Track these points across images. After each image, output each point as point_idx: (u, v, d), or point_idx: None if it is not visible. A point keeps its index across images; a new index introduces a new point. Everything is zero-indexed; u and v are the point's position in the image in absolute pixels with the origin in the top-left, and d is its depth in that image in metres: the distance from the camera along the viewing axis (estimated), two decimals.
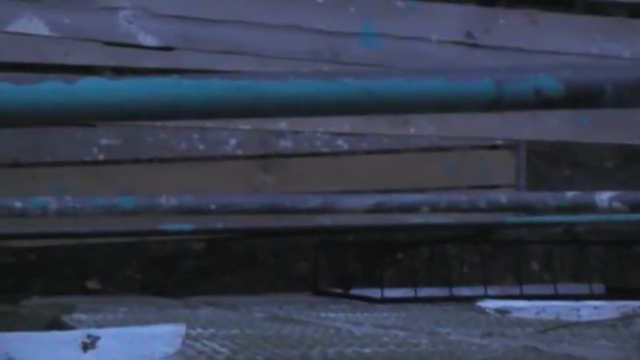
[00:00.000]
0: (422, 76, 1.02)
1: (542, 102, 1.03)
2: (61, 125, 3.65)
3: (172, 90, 1.03)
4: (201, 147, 4.33)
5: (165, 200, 2.79)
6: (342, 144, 4.50)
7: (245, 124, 3.82)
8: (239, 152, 4.37)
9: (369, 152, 4.55)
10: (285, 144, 4.44)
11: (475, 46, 3.79)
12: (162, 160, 4.34)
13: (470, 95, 1.02)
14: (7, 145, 4.04)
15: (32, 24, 3.67)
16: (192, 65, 3.64)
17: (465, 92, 1.03)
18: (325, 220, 4.13)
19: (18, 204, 2.84)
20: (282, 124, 3.85)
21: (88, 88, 1.06)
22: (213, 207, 2.80)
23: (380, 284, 4.23)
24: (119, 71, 3.77)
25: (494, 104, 1.03)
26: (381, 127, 3.92)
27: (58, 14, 3.71)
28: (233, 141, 4.33)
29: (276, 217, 3.69)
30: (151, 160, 4.32)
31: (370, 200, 2.90)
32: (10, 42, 3.69)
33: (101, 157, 4.24)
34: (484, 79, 1.02)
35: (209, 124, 3.75)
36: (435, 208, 2.83)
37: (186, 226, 3.92)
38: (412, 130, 3.87)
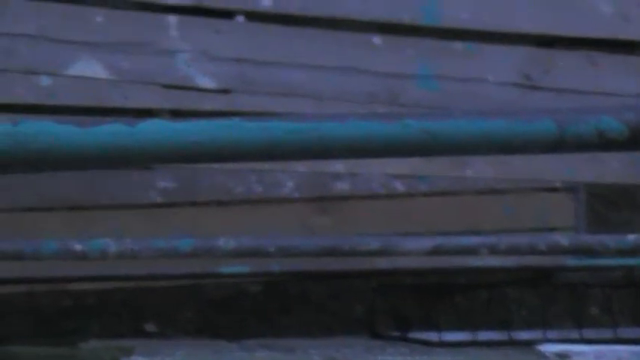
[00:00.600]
0: (484, 118, 1.02)
1: (605, 143, 1.02)
2: (122, 167, 3.71)
3: (234, 132, 1.04)
4: (258, 189, 4.38)
5: (224, 243, 2.83)
6: (399, 186, 4.53)
7: (302, 167, 3.89)
8: (296, 194, 4.42)
9: (426, 194, 4.58)
10: (342, 186, 4.48)
11: (534, 87, 3.82)
12: (219, 203, 4.39)
13: (532, 136, 1.02)
14: (65, 187, 4.12)
15: (91, 67, 3.76)
16: (250, 107, 3.70)
17: (527, 133, 1.03)
18: (383, 263, 4.16)
19: (77, 246, 2.88)
20: (339, 166, 3.91)
21: (149, 130, 1.07)
22: (270, 249, 2.83)
23: (438, 327, 4.23)
24: (177, 114, 3.84)
25: (557, 145, 1.03)
26: (438, 168, 3.96)
27: (117, 57, 3.81)
28: (290, 183, 4.38)
29: (333, 259, 3.72)
30: (208, 203, 4.38)
31: (429, 242, 2.93)
32: (70, 85, 3.78)
33: (158, 199, 4.30)
34: (546, 121, 1.03)
35: (266, 166, 3.81)
36: (493, 251, 2.85)
37: (244, 269, 3.96)
38: (470, 172, 3.90)
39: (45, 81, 3.79)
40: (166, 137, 1.05)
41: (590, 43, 4.07)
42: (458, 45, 3.83)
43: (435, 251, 2.83)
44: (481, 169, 3.86)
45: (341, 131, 1.03)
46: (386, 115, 1.05)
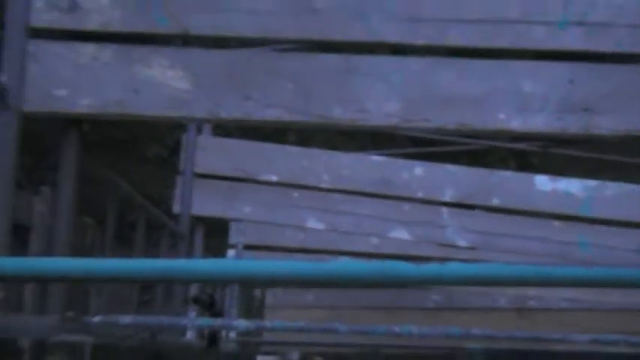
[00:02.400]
0: None
1: None
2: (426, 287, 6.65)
3: (504, 271, 2.14)
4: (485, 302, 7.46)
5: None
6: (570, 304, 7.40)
7: (510, 290, 6.84)
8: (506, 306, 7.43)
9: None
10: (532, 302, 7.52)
11: None
12: (464, 310, 7.53)
13: None
14: (384, 294, 7.27)
15: (401, 234, 6.68)
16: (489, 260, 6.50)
17: None
18: (560, 347, 6.96)
19: (396, 329, 4.03)
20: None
21: (456, 269, 2.13)
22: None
23: None
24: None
25: None
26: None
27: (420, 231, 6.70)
28: (502, 299, 7.38)
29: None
30: (461, 309, 7.56)
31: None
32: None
33: (432, 305, 7.52)
34: None
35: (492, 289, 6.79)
36: None
37: None
38: None
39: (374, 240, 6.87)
40: (469, 274, 2.09)
41: None
42: None
43: None
44: None
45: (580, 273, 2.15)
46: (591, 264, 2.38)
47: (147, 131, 9.04)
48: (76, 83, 3.39)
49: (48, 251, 3.42)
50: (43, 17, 3.34)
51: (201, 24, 3.46)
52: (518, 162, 9.00)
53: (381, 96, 3.39)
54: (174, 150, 7.17)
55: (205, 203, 5.61)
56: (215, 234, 6.36)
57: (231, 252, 6.29)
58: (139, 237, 4.59)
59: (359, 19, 3.47)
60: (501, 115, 3.41)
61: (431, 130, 3.96)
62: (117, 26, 3.44)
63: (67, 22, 3.40)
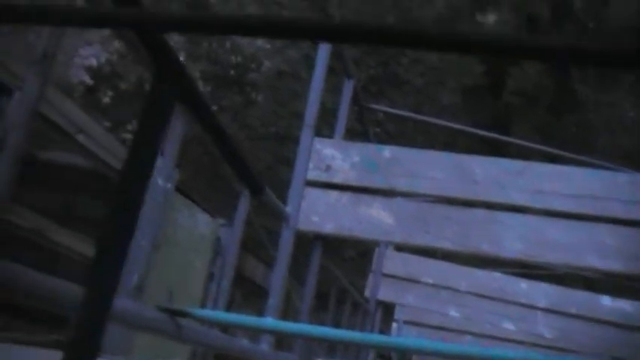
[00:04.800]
0: None
1: None
2: None
3: None
4: None
5: None
6: None
7: None
8: None
9: None
10: None
11: None
12: None
13: None
14: None
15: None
16: None
17: None
18: None
19: None
20: None
21: None
22: None
23: None
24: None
25: None
26: None
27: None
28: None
29: None
30: None
31: None
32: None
33: None
34: None
35: None
36: None
37: None
38: None
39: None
40: None
41: None
42: None
43: None
44: None
45: None
46: None
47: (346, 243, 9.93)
48: (325, 214, 4.14)
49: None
50: (311, 174, 4.10)
51: (402, 184, 4.17)
52: (587, 283, 9.45)
53: (512, 239, 4.02)
54: (364, 254, 7.96)
55: (385, 292, 6.36)
56: (387, 312, 7.11)
57: (394, 324, 7.08)
58: (342, 312, 5.30)
59: (500, 189, 4.09)
60: (589, 258, 3.99)
61: (543, 264, 4.56)
62: (352, 182, 4.20)
63: (324, 177, 4.18)
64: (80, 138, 5.13)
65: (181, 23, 0.99)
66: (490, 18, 14.12)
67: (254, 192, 2.54)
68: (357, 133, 5.76)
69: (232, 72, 10.52)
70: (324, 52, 3.96)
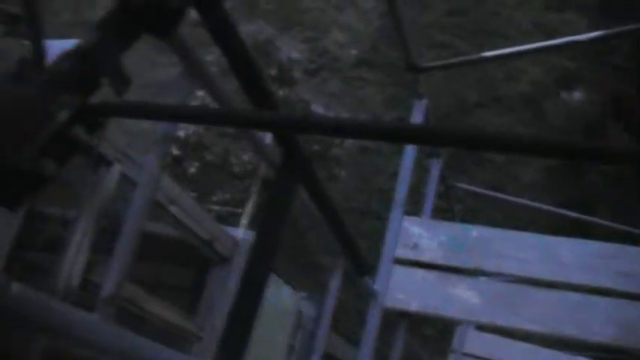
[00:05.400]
0: None
1: None
2: None
3: None
4: None
5: None
6: None
7: None
8: None
9: None
10: None
11: None
12: None
13: None
14: None
15: None
16: None
17: None
18: None
19: None
20: None
21: None
22: None
23: None
24: None
25: None
26: None
27: None
28: None
29: None
30: None
31: None
32: None
33: None
34: None
35: None
36: None
37: None
38: None
39: None
40: None
41: None
42: None
43: None
44: None
45: None
46: None
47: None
48: (411, 292, 4.20)
49: None
50: (399, 251, 4.18)
51: (488, 264, 4.21)
52: None
53: (603, 323, 3.98)
54: (443, 332, 7.93)
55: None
56: None
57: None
58: None
59: (588, 272, 4.09)
60: None
61: (635, 351, 4.48)
62: (439, 260, 4.25)
63: (411, 256, 4.25)
64: (173, 209, 5.34)
65: (312, 126, 1.12)
66: (575, 95, 14.06)
67: (360, 272, 2.62)
68: (441, 209, 5.82)
69: (317, 147, 10.75)
70: None
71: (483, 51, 4.83)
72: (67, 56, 1.15)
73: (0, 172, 1.05)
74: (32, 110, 1.07)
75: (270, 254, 1.32)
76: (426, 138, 1.12)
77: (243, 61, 1.37)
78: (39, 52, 1.19)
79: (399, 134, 1.10)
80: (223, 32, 1.32)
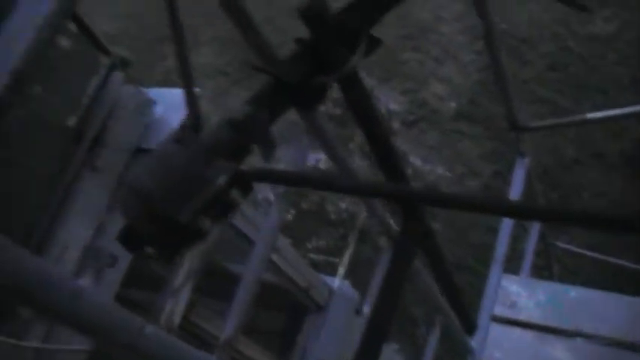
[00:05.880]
0: None
1: None
2: None
3: None
4: None
5: None
6: None
7: None
8: None
9: None
10: None
11: None
12: None
13: None
14: None
15: None
16: None
17: None
18: None
19: None
20: None
21: None
22: None
23: None
24: None
25: None
26: None
27: None
28: None
29: None
30: None
31: None
32: None
33: None
34: None
35: None
36: None
37: None
38: None
39: None
40: None
41: None
42: None
43: None
44: None
45: None
46: None
47: None
48: (508, 351, 4.22)
49: None
50: (496, 309, 4.21)
51: (586, 326, 4.18)
52: None
53: None
54: None
55: None
56: None
57: None
58: None
59: None
60: None
61: None
62: (537, 320, 4.25)
63: (509, 314, 4.26)
64: (274, 257, 5.48)
65: (435, 200, 1.24)
66: None
67: (467, 330, 2.70)
68: (538, 267, 5.79)
69: None
70: (517, 188, 4.14)
71: (582, 106, 4.85)
72: (222, 125, 1.31)
73: (163, 226, 1.21)
74: (194, 173, 1.23)
75: (386, 323, 1.43)
76: (531, 215, 1.22)
77: (380, 136, 1.50)
78: (196, 120, 1.36)
79: (523, 212, 1.20)
80: (363, 109, 1.46)
